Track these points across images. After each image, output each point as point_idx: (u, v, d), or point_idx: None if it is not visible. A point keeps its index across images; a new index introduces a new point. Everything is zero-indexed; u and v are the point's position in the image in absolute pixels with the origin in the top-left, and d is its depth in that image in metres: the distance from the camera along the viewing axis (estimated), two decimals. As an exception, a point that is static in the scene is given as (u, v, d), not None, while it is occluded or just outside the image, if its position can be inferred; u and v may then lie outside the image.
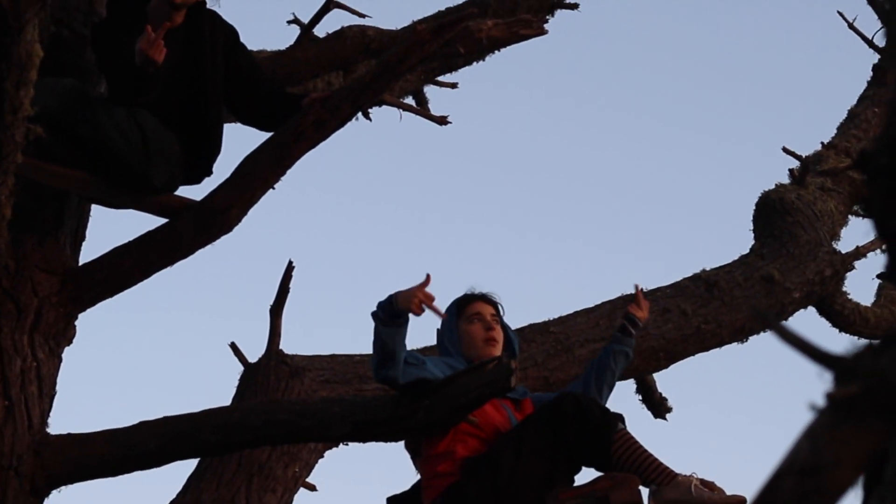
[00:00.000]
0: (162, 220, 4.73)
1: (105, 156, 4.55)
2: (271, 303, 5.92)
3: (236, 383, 5.83)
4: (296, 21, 6.02)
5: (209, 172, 4.86)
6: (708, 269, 6.60)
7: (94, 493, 9.66)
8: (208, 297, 12.98)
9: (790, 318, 6.72)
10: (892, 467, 1.62)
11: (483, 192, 13.73)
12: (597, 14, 13.14)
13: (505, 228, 13.66)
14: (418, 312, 4.22)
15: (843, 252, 6.86)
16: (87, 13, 5.14)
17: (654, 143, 13.84)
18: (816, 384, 1.50)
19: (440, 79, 6.35)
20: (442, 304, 4.55)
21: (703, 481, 4.28)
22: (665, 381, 6.70)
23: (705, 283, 6.49)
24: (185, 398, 14.00)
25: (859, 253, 6.86)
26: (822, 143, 7.58)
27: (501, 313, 4.76)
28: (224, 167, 4.75)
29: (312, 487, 5.82)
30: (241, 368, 5.86)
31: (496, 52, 6.02)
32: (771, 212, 7.02)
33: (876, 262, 6.96)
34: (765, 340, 6.79)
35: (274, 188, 4.66)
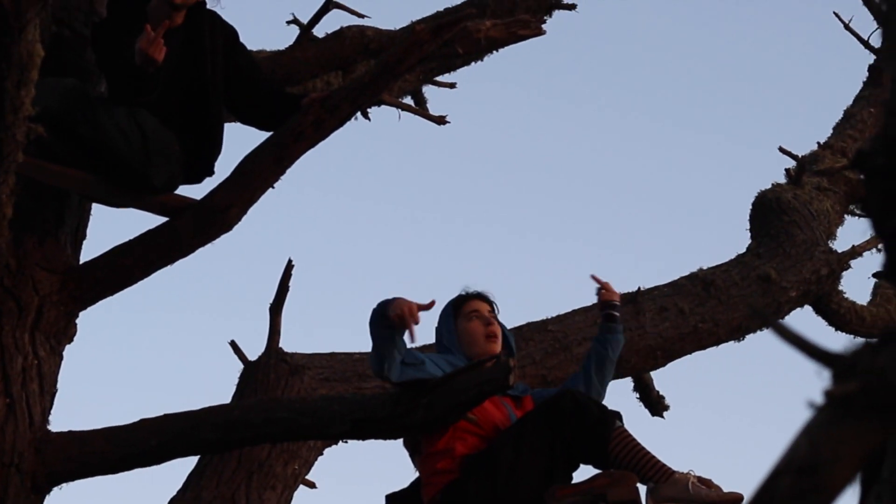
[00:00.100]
0: (162, 220, 4.73)
1: (105, 155, 4.56)
2: (271, 301, 5.93)
3: (236, 381, 5.85)
4: (295, 21, 6.02)
5: (210, 172, 4.86)
6: (705, 268, 6.61)
7: (94, 491, 9.66)
8: (208, 296, 12.99)
9: (786, 317, 6.74)
10: (890, 465, 1.63)
11: (481, 192, 13.74)
12: (594, 14, 13.13)
13: (503, 227, 13.67)
14: (395, 323, 4.18)
15: (840, 251, 6.87)
16: (87, 13, 5.14)
17: (652, 142, 13.85)
18: (814, 382, 1.51)
19: (439, 79, 6.35)
20: (438, 307, 4.56)
21: (700, 479, 4.28)
22: (662, 379, 6.73)
23: (702, 282, 6.50)
24: (185, 396, 13.98)
25: (855, 252, 6.87)
26: (819, 143, 7.59)
27: (496, 311, 4.78)
28: (224, 167, 4.77)
29: (312, 485, 5.83)
30: (240, 366, 5.87)
31: (495, 52, 6.01)
32: (767, 211, 7.03)
33: (872, 261, 6.98)
34: (762, 339, 6.81)
35: (273, 187, 4.68)
